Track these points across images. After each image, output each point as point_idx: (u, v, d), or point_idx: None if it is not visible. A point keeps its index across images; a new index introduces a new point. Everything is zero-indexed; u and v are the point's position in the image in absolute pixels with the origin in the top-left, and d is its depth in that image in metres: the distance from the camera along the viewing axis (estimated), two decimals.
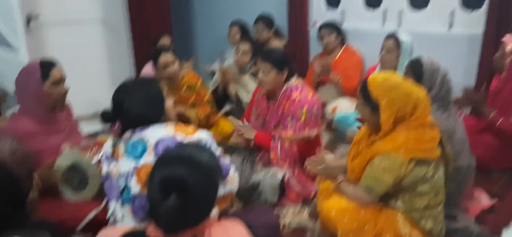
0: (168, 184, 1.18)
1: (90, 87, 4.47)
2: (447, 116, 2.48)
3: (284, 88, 2.71)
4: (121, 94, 1.77)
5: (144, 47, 4.73)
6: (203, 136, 1.71)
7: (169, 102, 1.83)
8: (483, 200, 2.57)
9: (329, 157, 2.31)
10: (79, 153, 2.34)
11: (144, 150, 1.66)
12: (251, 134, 2.78)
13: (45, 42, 4.23)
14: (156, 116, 1.75)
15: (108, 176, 1.77)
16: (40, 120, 2.37)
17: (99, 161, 2.36)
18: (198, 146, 1.33)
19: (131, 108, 1.73)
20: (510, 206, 2.56)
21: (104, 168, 1.82)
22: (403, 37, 3.36)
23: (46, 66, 2.37)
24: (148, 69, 4.05)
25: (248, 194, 2.74)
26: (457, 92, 2.86)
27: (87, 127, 3.47)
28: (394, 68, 3.41)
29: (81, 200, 2.31)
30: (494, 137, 2.96)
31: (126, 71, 4.92)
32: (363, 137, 2.22)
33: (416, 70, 2.42)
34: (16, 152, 1.45)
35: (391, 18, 4.08)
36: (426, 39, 3.66)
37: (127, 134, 1.74)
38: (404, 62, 3.30)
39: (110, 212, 1.75)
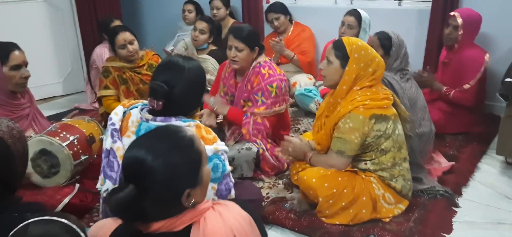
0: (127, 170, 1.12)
1: (34, 71, 4.18)
2: (409, 86, 2.64)
3: (252, 64, 2.72)
4: (176, 74, 1.60)
5: (91, 29, 4.52)
6: (221, 147, 1.59)
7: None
8: (443, 162, 2.75)
9: (295, 139, 2.40)
10: (48, 137, 2.22)
11: None
12: (224, 109, 2.76)
13: None
14: (192, 108, 1.67)
15: (110, 153, 1.61)
16: (2, 105, 2.25)
17: (71, 143, 2.26)
18: (176, 129, 1.21)
19: (182, 95, 1.60)
20: (465, 167, 2.78)
21: (108, 142, 1.63)
22: (363, 14, 3.49)
23: (5, 49, 2.24)
24: (102, 50, 3.88)
25: None
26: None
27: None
28: None
29: (53, 186, 2.22)
30: (447, 105, 3.18)
31: (73, 55, 4.67)
32: (324, 111, 2.34)
33: (385, 43, 2.59)
34: (13, 129, 1.34)
35: None
36: (378, 14, 3.80)
37: (148, 115, 1.60)
38: (363, 37, 3.44)
39: (103, 189, 1.64)
